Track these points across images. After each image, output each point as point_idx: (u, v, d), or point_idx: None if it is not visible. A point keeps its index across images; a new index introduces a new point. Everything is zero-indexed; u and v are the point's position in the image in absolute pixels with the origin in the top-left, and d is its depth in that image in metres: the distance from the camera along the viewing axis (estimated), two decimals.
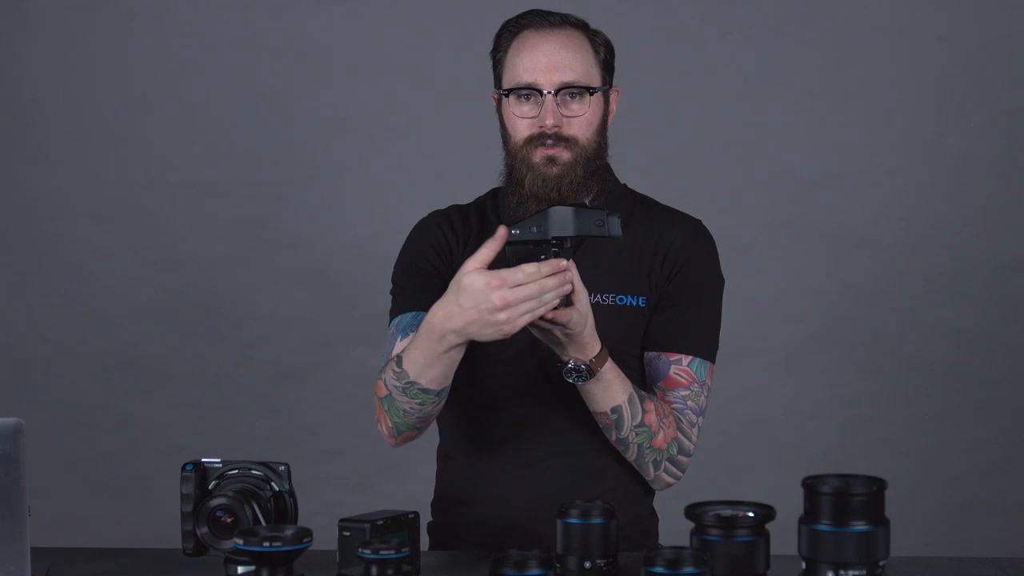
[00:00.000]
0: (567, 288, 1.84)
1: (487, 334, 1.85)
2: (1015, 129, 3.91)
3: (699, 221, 2.22)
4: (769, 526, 1.60)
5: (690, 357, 2.13)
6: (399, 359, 1.98)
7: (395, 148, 3.95)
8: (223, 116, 3.97)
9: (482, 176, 2.20)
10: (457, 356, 1.92)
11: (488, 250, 1.84)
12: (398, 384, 1.99)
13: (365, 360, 3.85)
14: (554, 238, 1.86)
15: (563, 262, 1.84)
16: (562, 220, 1.86)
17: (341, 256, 3.94)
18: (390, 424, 2.06)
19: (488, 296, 1.82)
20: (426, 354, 1.93)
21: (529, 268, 1.82)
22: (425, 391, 1.98)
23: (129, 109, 3.99)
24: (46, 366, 4.00)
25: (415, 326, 2.06)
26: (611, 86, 2.15)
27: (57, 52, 3.98)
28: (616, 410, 2.05)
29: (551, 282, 1.82)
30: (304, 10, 3.98)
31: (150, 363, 4.00)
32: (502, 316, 1.82)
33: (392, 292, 2.22)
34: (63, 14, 3.98)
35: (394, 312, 2.19)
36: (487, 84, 2.18)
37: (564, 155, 2.07)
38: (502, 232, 1.84)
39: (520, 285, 1.81)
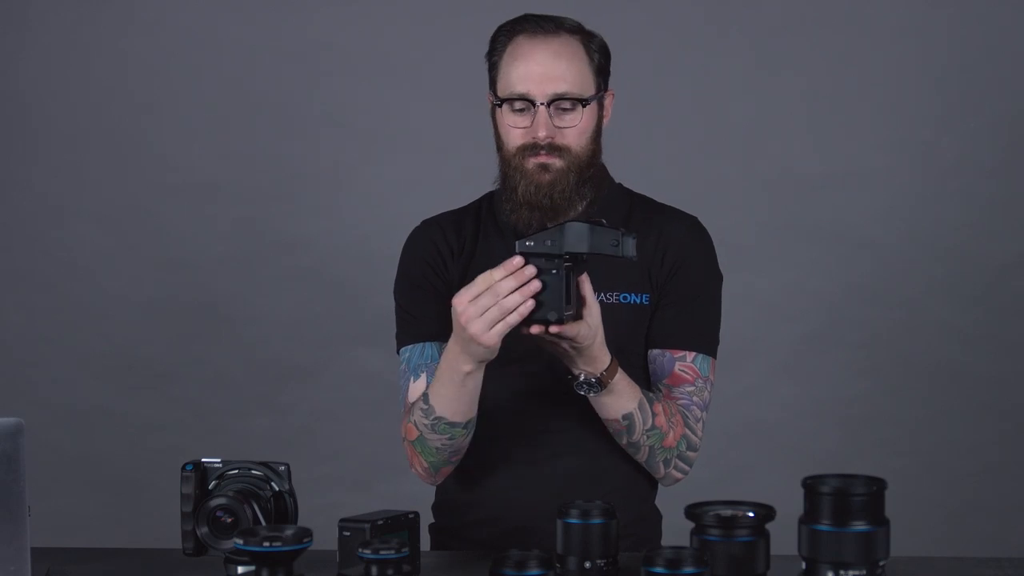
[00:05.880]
0: (534, 286, 1.84)
1: (475, 352, 1.91)
2: (1015, 129, 3.91)
3: (696, 218, 2.23)
4: (769, 526, 1.60)
5: (694, 353, 2.15)
6: (426, 396, 2.03)
7: (395, 148, 3.95)
8: (223, 116, 3.97)
9: (482, 177, 2.20)
10: (472, 384, 1.98)
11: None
12: (427, 421, 2.04)
13: (365, 360, 3.86)
14: (567, 253, 1.86)
15: (516, 260, 1.85)
16: (577, 236, 1.86)
17: (341, 256, 3.94)
18: (425, 464, 2.10)
19: (456, 318, 1.87)
20: (448, 388, 2.00)
21: (483, 275, 1.85)
22: (452, 425, 2.03)
23: (128, 109, 3.99)
24: (46, 366, 4.00)
25: (425, 364, 2.13)
26: (606, 90, 2.14)
27: (56, 52, 3.97)
28: (627, 417, 2.05)
29: (506, 284, 1.84)
30: (304, 10, 3.98)
31: (150, 363, 3.99)
32: (471, 329, 1.86)
33: (396, 311, 2.23)
34: (62, 14, 3.97)
35: (400, 338, 2.21)
36: (486, 85, 2.17)
37: (557, 163, 2.07)
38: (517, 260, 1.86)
39: (478, 296, 1.84)
